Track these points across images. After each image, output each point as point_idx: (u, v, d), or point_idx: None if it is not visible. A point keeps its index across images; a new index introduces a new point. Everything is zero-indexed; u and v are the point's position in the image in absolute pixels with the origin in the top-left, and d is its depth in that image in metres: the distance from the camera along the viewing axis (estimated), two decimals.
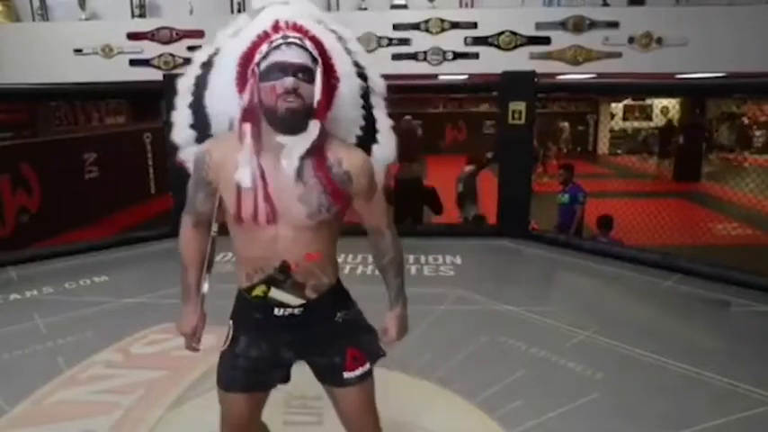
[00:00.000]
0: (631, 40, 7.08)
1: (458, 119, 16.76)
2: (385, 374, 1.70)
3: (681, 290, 3.75)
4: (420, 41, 7.35)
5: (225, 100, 1.39)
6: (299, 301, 1.40)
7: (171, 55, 7.42)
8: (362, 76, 1.45)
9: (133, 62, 7.55)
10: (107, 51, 7.56)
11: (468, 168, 6.41)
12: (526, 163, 4.94)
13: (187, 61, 1.62)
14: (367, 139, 1.50)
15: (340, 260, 1.63)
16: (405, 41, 7.34)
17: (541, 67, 6.51)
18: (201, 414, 2.31)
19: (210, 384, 2.50)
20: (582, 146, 16.15)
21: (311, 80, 1.27)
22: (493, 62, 6.95)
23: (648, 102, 16.37)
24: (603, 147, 16.35)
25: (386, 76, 1.52)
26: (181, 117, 1.48)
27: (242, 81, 1.33)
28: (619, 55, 7.14)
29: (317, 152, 1.31)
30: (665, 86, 5.85)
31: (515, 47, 7.27)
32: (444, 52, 7.34)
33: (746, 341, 3.01)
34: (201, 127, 1.47)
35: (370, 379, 1.49)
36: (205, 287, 1.53)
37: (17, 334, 3.11)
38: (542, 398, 2.41)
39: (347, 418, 1.52)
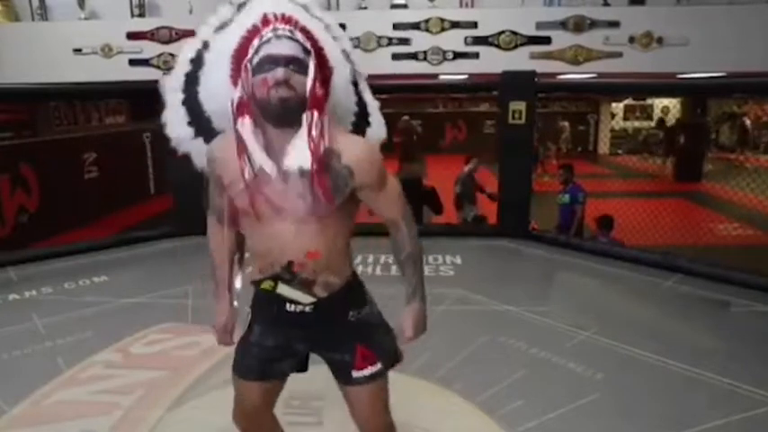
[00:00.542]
0: (632, 39, 7.09)
1: (458, 118, 16.73)
2: None
3: (681, 290, 3.74)
4: (420, 41, 7.35)
5: (223, 98, 1.37)
6: (309, 299, 1.38)
7: (170, 54, 7.42)
8: (350, 62, 1.46)
9: (133, 62, 7.57)
10: (106, 51, 7.56)
11: (467, 168, 6.40)
12: (526, 163, 4.93)
13: None
14: (360, 123, 1.51)
15: None
16: (405, 41, 7.35)
17: (542, 66, 6.52)
18: (201, 414, 2.32)
19: (211, 384, 2.53)
20: (582, 146, 16.13)
21: (303, 71, 1.25)
22: (493, 62, 6.95)
23: (649, 101, 16.37)
24: (604, 146, 16.31)
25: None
26: (174, 114, 1.47)
27: (237, 78, 1.33)
28: (619, 55, 7.14)
29: (316, 146, 1.27)
30: (666, 86, 5.84)
31: (516, 46, 7.27)
32: (444, 52, 7.34)
33: (747, 341, 3.00)
34: (201, 124, 1.47)
35: (382, 380, 1.47)
36: (237, 283, 1.53)
37: (16, 334, 3.10)
38: (542, 398, 2.40)
39: (358, 418, 1.51)
